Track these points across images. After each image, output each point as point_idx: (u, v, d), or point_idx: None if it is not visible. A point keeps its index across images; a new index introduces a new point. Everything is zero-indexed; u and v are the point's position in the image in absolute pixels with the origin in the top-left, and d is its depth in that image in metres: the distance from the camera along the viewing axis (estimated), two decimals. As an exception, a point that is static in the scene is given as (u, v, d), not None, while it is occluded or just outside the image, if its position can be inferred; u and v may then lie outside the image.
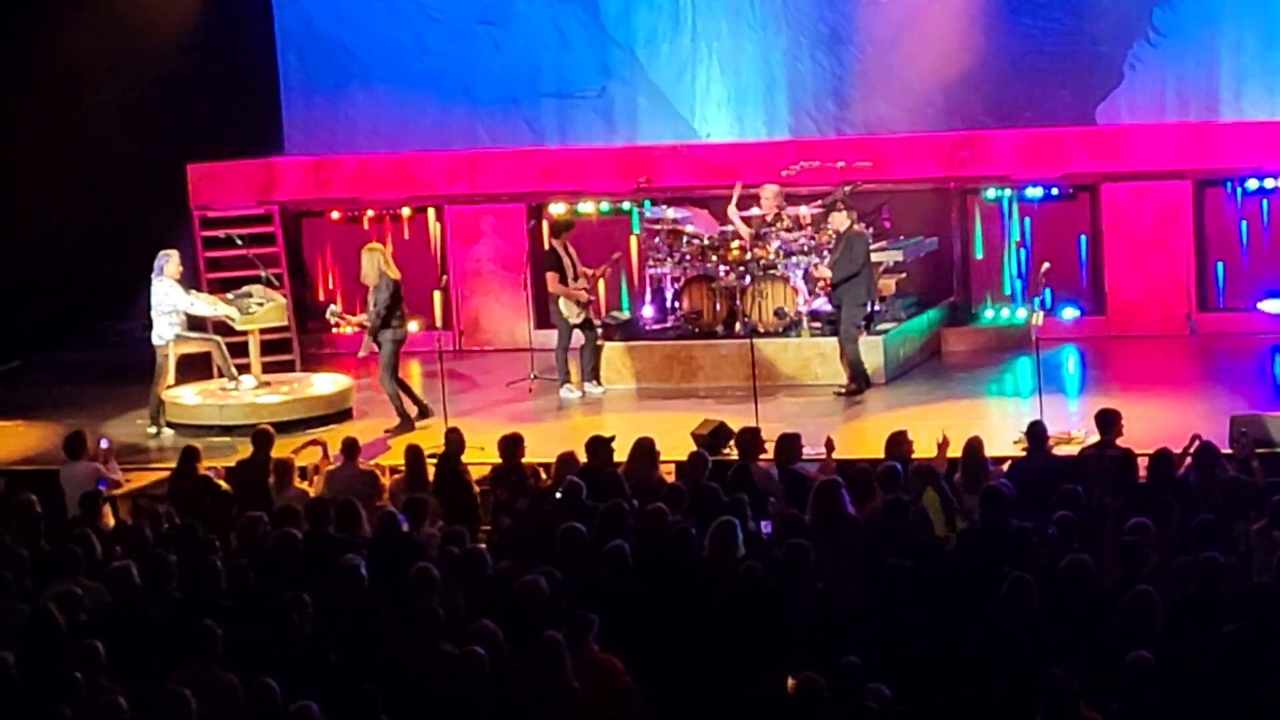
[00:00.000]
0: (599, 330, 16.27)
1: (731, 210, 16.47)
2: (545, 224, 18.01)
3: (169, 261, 15.32)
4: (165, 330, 15.30)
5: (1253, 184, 17.28)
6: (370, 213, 19.02)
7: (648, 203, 17.36)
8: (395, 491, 12.12)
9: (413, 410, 14.97)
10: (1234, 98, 17.82)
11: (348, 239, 19.10)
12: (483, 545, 10.10)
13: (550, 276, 16.15)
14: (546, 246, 16.61)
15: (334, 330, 15.24)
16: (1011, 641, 8.71)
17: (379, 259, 15.14)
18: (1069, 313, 17.59)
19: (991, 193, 17.83)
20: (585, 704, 8.33)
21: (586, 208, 18.30)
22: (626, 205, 18.10)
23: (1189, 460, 11.32)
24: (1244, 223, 17.40)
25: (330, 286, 19.16)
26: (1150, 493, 10.81)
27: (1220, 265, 17.46)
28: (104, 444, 13.07)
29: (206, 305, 15.80)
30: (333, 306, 15.62)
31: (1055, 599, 8.95)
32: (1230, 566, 9.26)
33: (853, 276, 15.47)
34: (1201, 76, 17.87)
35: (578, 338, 16.09)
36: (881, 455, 11.72)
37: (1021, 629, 8.75)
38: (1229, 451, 11.79)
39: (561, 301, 16.11)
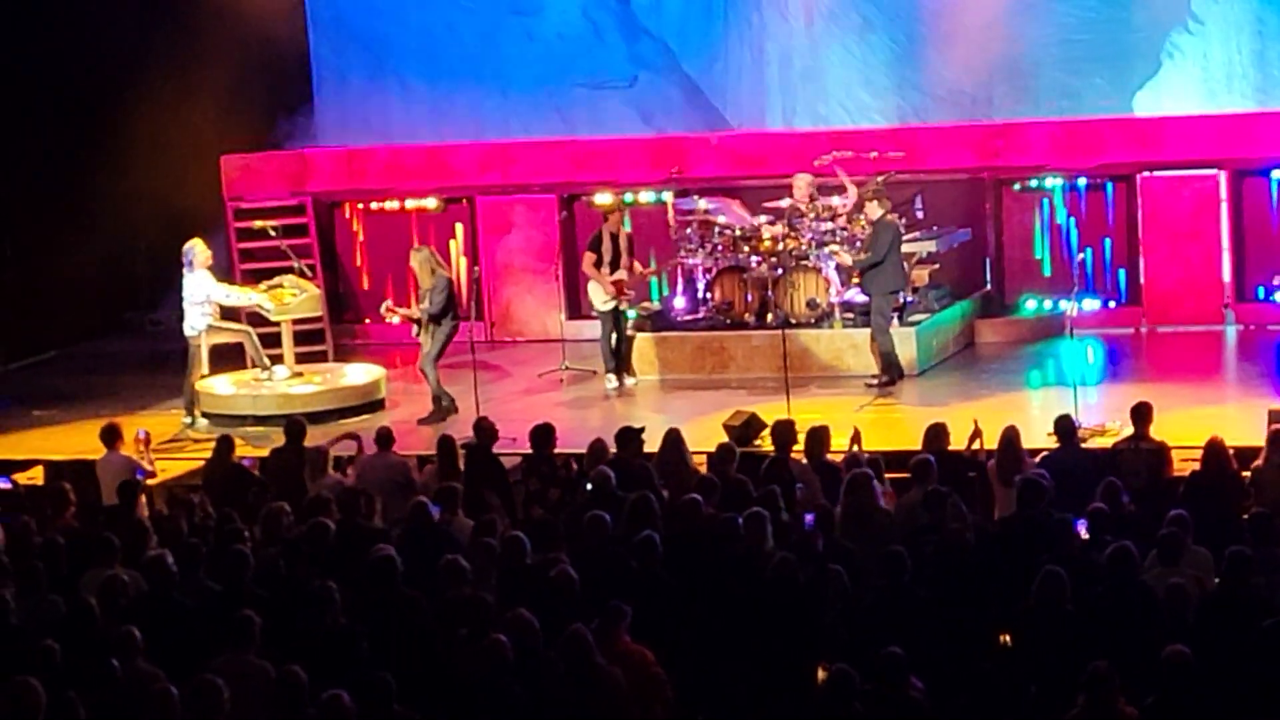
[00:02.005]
0: (630, 321, 16.22)
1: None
2: (577, 214, 18.01)
3: (196, 252, 15.35)
4: (198, 321, 15.35)
5: (1290, 174, 17.17)
6: (396, 203, 19.02)
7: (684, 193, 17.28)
8: (428, 482, 12.12)
9: (441, 400, 15.03)
10: (1273, 86, 17.69)
11: (381, 230, 19.15)
12: (520, 534, 10.07)
13: (587, 257, 16.12)
14: (596, 230, 16.46)
15: (387, 320, 15.41)
16: (1045, 633, 8.67)
17: (429, 258, 15.24)
18: (1103, 304, 17.50)
19: (1026, 183, 17.75)
20: (621, 695, 8.32)
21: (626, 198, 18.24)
22: (658, 195, 18.06)
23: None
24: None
25: (364, 279, 19.20)
26: (1195, 486, 10.74)
27: (1257, 256, 17.34)
28: (141, 434, 13.12)
29: (238, 295, 15.84)
30: (387, 302, 15.78)
31: (1090, 591, 8.91)
32: (1272, 561, 9.20)
33: (876, 265, 15.40)
34: (1240, 65, 17.76)
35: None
36: (913, 447, 11.68)
37: (1054, 621, 8.71)
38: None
39: (591, 285, 16.08)
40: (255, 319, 16.11)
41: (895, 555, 9.20)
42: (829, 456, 11.68)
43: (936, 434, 11.61)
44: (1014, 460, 11.33)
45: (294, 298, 15.90)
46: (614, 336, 16.04)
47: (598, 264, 15.95)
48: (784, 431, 11.93)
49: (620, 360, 16.04)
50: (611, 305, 15.98)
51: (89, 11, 19.12)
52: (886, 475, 11.41)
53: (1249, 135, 17.37)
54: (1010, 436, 11.50)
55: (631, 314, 16.21)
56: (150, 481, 12.81)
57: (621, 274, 16.02)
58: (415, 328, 15.34)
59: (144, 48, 19.16)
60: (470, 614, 8.83)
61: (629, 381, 16.02)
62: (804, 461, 11.64)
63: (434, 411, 14.96)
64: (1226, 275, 17.26)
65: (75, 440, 14.64)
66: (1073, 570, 9.00)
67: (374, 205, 19.16)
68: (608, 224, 16.11)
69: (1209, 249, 17.28)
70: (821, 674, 8.49)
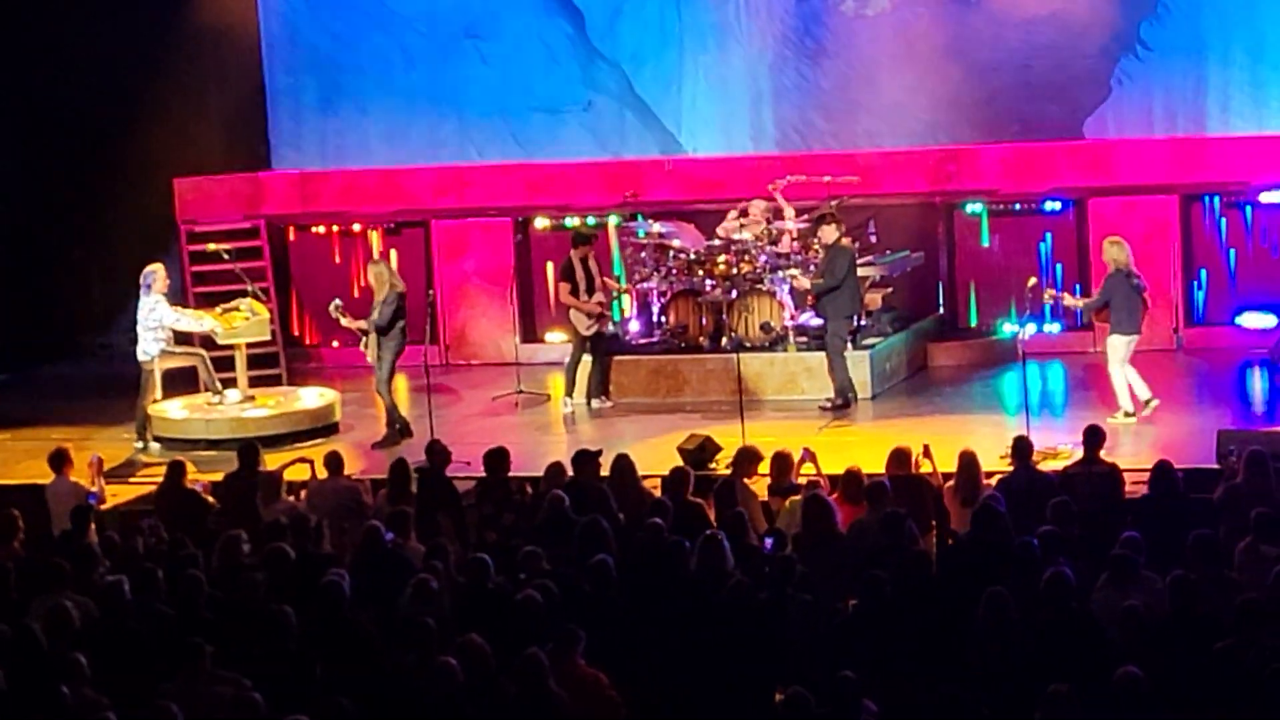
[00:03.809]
0: (605, 344, 16.23)
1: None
2: (531, 238, 18.03)
3: (156, 277, 15.32)
4: (151, 346, 15.28)
5: (1240, 198, 17.31)
6: (357, 227, 19.02)
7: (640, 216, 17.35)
8: (380, 505, 12.08)
9: (397, 423, 14.99)
10: (1221, 112, 17.86)
11: (335, 253, 19.11)
12: (484, 556, 10.05)
13: (562, 287, 16.14)
14: (566, 258, 16.51)
15: (334, 318, 15.38)
16: (993, 654, 8.70)
17: (383, 271, 15.29)
18: (1055, 328, 17.60)
19: (977, 207, 17.86)
20: (571, 719, 8.31)
21: (572, 221, 18.31)
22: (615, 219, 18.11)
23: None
24: (1231, 237, 17.43)
25: (318, 303, 19.14)
26: (1145, 507, 10.82)
27: (1207, 280, 17.48)
28: (94, 459, 13.04)
29: (192, 320, 15.78)
30: (336, 301, 15.68)
31: (1042, 613, 8.95)
32: (1222, 582, 9.26)
33: (833, 289, 15.46)
34: (1189, 91, 17.91)
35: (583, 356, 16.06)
36: (866, 469, 11.71)
37: (1001, 642, 8.74)
38: (1217, 467, 11.81)
39: (572, 313, 16.09)
40: (208, 342, 16.05)
41: (874, 578, 9.21)
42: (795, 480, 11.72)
43: (899, 458, 11.65)
44: (972, 482, 11.38)
45: (244, 321, 15.84)
46: (588, 360, 16.01)
47: (574, 292, 15.96)
48: (743, 457, 11.95)
49: (603, 382, 16.02)
50: (595, 329, 16.00)
51: (44, 38, 19.04)
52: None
53: (1200, 160, 17.53)
54: (969, 459, 11.56)
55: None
56: (101, 506, 12.73)
57: (599, 296, 16.03)
58: (362, 340, 15.28)
59: (98, 72, 19.08)
60: (418, 638, 8.80)
61: (606, 405, 16.01)
62: (747, 485, 11.67)
63: (387, 435, 14.92)
64: (1177, 299, 17.39)
65: (24, 465, 14.53)
66: (1030, 592, 9.04)
67: (328, 229, 19.13)
68: (576, 251, 16.13)
69: (1160, 273, 17.40)
70: (778, 697, 8.49)
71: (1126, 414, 14.26)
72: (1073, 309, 15.32)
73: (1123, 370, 14.41)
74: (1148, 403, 14.29)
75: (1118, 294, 14.42)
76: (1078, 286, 14.84)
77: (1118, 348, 14.46)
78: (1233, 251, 17.41)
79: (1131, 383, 14.37)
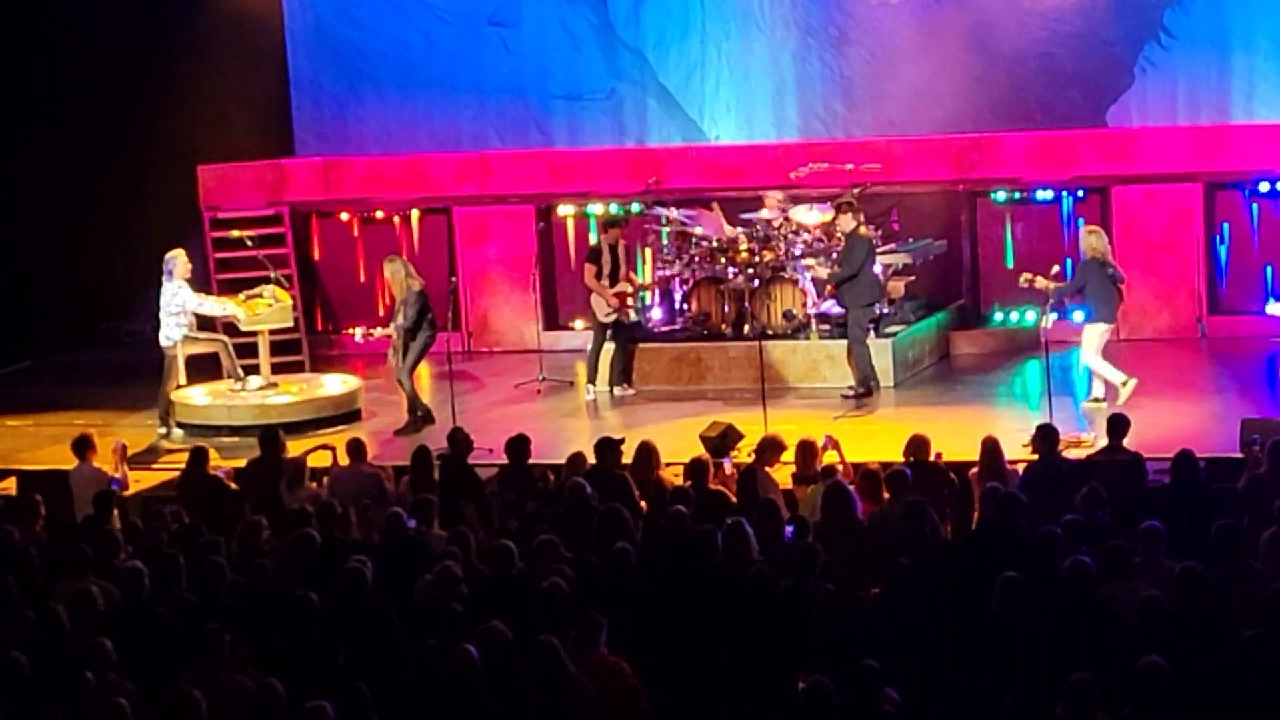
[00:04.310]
0: (628, 333, 16.23)
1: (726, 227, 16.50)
2: (554, 225, 18.04)
3: (177, 263, 15.36)
4: (173, 331, 15.32)
5: (1264, 186, 17.24)
6: (379, 214, 19.05)
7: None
8: (403, 493, 12.11)
9: (421, 410, 15.02)
10: (1245, 100, 17.78)
11: (358, 240, 19.14)
12: (509, 543, 10.08)
13: (587, 269, 16.14)
14: (593, 240, 16.53)
15: (367, 341, 15.62)
16: (1009, 642, 8.70)
17: (399, 269, 15.26)
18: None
19: (1001, 195, 17.81)
20: (593, 706, 8.33)
21: (597, 209, 18.32)
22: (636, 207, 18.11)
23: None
24: (1255, 226, 17.36)
25: (341, 289, 19.18)
26: (1167, 496, 10.79)
27: (1231, 268, 17.42)
28: (118, 445, 13.09)
29: (215, 305, 15.82)
30: (359, 330, 15.77)
31: (1061, 602, 8.94)
32: (1246, 572, 9.24)
33: (851, 278, 15.43)
34: (1213, 78, 17.84)
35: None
36: (890, 458, 11.70)
37: (1019, 630, 8.74)
38: (1240, 455, 11.77)
39: (593, 297, 16.10)
40: (231, 329, 16.09)
41: (898, 566, 9.21)
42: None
43: (918, 445, 11.63)
44: (996, 469, 11.36)
45: (267, 308, 15.88)
46: (609, 348, 16.02)
47: (598, 275, 15.96)
48: (766, 445, 11.94)
49: (625, 370, 16.03)
50: (614, 317, 16.00)
51: (64, 24, 19.09)
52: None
53: (1223, 148, 17.46)
54: (992, 445, 11.54)
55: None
56: (124, 493, 12.77)
57: (624, 285, 16.03)
58: (390, 348, 15.29)
59: (122, 59, 19.13)
60: (440, 624, 8.82)
61: (629, 392, 16.02)
62: (769, 474, 11.67)
63: (409, 422, 14.95)
64: (1200, 288, 17.34)
65: (49, 451, 14.59)
66: (1051, 580, 9.02)
67: (351, 215, 19.16)
68: (606, 236, 16.13)
69: (1183, 262, 17.36)
70: (800, 685, 8.49)
71: (1101, 399, 14.32)
72: (1046, 291, 15.35)
73: (1096, 358, 14.49)
74: (1096, 400, 14.33)
75: (1093, 282, 14.50)
76: (1055, 267, 14.96)
77: (1092, 337, 14.54)
78: (1256, 240, 17.35)
79: (1095, 374, 14.46)
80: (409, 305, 15.09)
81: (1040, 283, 14.88)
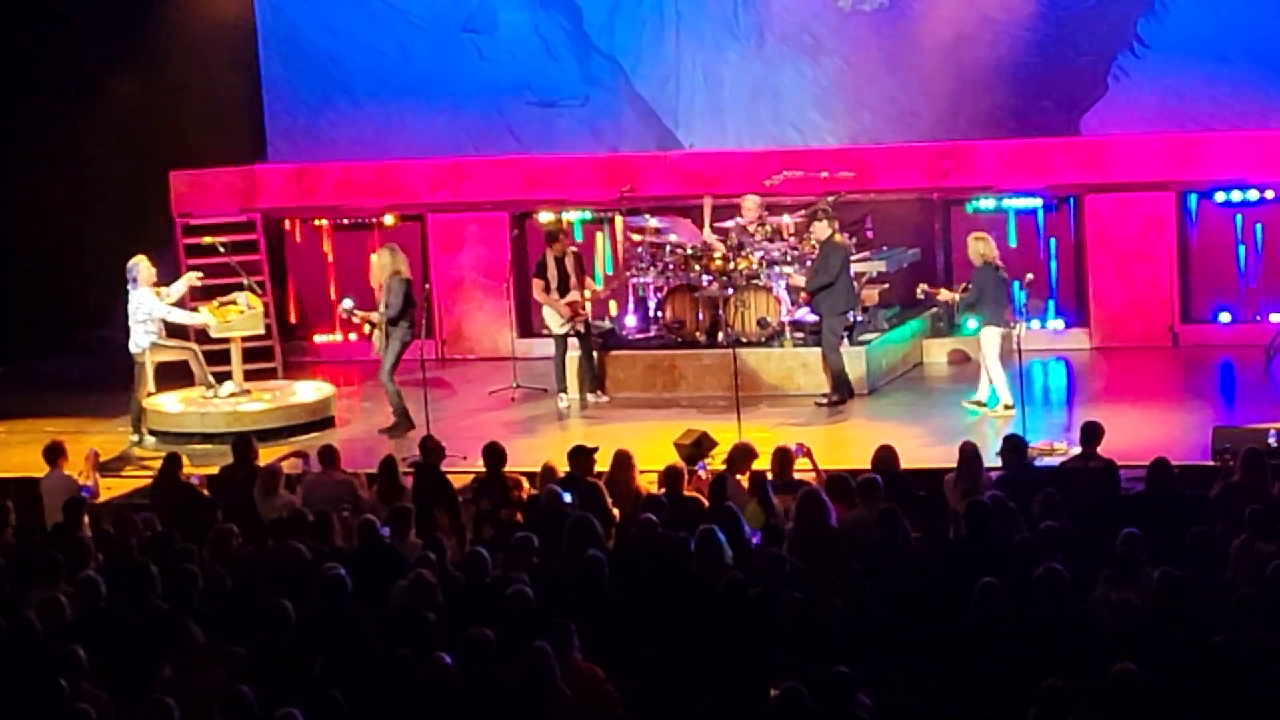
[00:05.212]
0: (591, 340, 16.21)
1: (707, 231, 16.49)
2: (528, 232, 18.03)
3: (140, 269, 15.27)
4: (141, 338, 15.26)
5: (1236, 195, 17.32)
6: (346, 221, 19.00)
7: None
8: (374, 501, 12.07)
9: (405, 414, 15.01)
10: (1217, 109, 17.85)
11: (331, 247, 19.10)
12: (483, 551, 10.06)
13: (535, 284, 16.17)
14: (540, 256, 16.51)
15: (352, 323, 15.41)
16: (986, 648, 8.71)
17: (386, 258, 15.24)
18: (1052, 324, 17.62)
19: (975, 204, 17.86)
20: (572, 713, 8.30)
21: (570, 217, 18.30)
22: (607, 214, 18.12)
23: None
24: (1227, 234, 17.43)
25: (313, 296, 19.14)
26: (1142, 503, 10.82)
27: (1204, 277, 17.48)
28: (90, 453, 13.02)
29: (183, 313, 15.76)
30: (345, 302, 15.68)
31: (1035, 608, 8.95)
32: (1217, 580, 9.26)
33: (828, 286, 15.46)
34: (1185, 87, 17.90)
35: (574, 347, 16.06)
36: (859, 466, 11.70)
37: (996, 636, 8.74)
38: (1212, 463, 11.81)
39: (545, 311, 16.14)
40: (204, 336, 16.04)
41: (854, 574, 9.22)
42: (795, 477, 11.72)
43: (885, 455, 11.64)
44: (973, 476, 11.37)
45: (238, 315, 15.83)
46: (574, 357, 16.01)
47: (546, 289, 15.98)
48: (737, 453, 11.93)
49: (597, 377, 16.02)
50: (567, 328, 15.99)
51: (35, 29, 19.01)
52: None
53: (1196, 157, 17.53)
54: (970, 452, 11.55)
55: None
56: (96, 500, 12.71)
57: (574, 295, 16.02)
58: (374, 334, 15.25)
59: (91, 63, 19.06)
60: (415, 632, 8.79)
61: (603, 399, 16.01)
62: (739, 481, 11.67)
63: (396, 423, 14.92)
64: (1173, 296, 17.40)
65: (19, 458, 14.51)
66: (1024, 588, 9.03)
67: (323, 222, 19.12)
68: (551, 249, 16.14)
69: (1156, 270, 17.42)
70: (773, 693, 8.49)
71: (1006, 406, 14.37)
72: (948, 304, 15.47)
73: (998, 364, 14.57)
74: (1008, 407, 14.41)
75: (988, 287, 14.58)
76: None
77: (992, 341, 14.63)
78: (1228, 249, 17.41)
79: (997, 381, 14.52)
80: (392, 293, 15.07)
81: (943, 294, 15.05)
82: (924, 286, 15.34)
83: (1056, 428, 13.96)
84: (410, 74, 19.49)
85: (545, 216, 18.01)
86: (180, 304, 15.76)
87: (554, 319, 16.03)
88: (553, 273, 15.99)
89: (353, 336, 18.42)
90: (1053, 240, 17.81)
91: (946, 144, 18.17)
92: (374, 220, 18.99)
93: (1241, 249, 17.39)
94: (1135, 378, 16.12)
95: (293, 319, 19.15)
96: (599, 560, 9.68)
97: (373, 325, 15.28)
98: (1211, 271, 17.44)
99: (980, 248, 14.87)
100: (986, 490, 11.03)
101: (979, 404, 14.68)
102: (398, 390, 15.07)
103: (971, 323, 14.90)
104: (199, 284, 16.17)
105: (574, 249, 16.52)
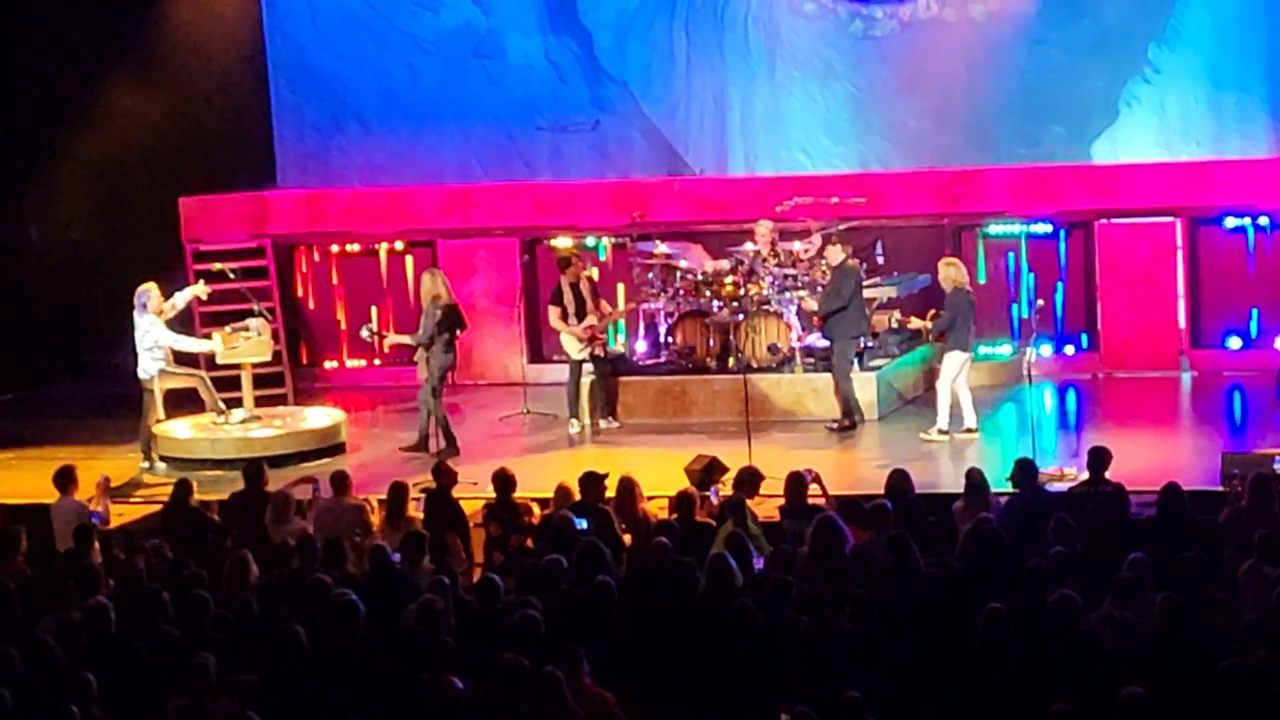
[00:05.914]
0: (607, 366, 16.23)
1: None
2: (539, 257, 18.05)
3: (150, 296, 15.31)
4: (149, 365, 15.29)
5: (1246, 221, 17.31)
6: (355, 246, 19.04)
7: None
8: (380, 527, 12.08)
9: (427, 437, 15.02)
10: (1229, 135, 17.85)
11: (341, 272, 19.13)
12: (495, 576, 10.06)
13: (551, 311, 16.19)
14: (556, 283, 16.55)
15: (373, 344, 15.56)
16: (998, 674, 8.69)
17: (428, 282, 15.39)
18: (1063, 350, 17.60)
19: (985, 229, 17.86)
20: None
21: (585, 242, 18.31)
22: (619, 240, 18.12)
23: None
24: (1236, 260, 17.42)
25: (324, 322, 19.16)
26: (1152, 528, 10.81)
27: (1213, 302, 17.47)
28: (101, 479, 13.04)
29: (190, 341, 15.77)
30: (368, 326, 15.75)
31: (1043, 632, 8.94)
32: (1215, 603, 9.25)
33: (839, 310, 15.48)
34: (1197, 114, 17.91)
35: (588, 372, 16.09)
36: (873, 491, 11.69)
37: (1003, 661, 8.73)
38: (1221, 489, 11.80)
39: (563, 337, 16.17)
40: (212, 362, 16.06)
41: (862, 599, 9.21)
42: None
43: (899, 481, 11.63)
44: (981, 501, 11.36)
45: (245, 341, 15.84)
46: (588, 383, 16.02)
47: (563, 316, 16.00)
48: (746, 478, 11.93)
49: (609, 403, 16.04)
50: (586, 353, 16.01)
51: (44, 51, 19.08)
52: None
53: (1205, 183, 17.52)
54: (977, 478, 11.54)
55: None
56: (107, 526, 12.71)
57: (591, 319, 16.04)
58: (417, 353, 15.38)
59: (100, 86, 19.11)
60: (430, 657, 8.79)
61: (613, 425, 16.02)
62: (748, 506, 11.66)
63: (446, 447, 14.93)
64: (1182, 322, 17.40)
65: (30, 484, 14.52)
66: (1033, 613, 9.02)
67: (334, 248, 19.16)
68: (565, 275, 16.16)
69: (1165, 296, 17.41)
70: (783, 718, 8.47)
71: (940, 431, 14.41)
72: (921, 330, 15.51)
73: (953, 388, 14.60)
74: (969, 430, 14.41)
75: (960, 313, 14.62)
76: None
77: (953, 365, 14.67)
78: (1237, 274, 17.40)
79: (962, 404, 14.54)
80: (428, 318, 15.15)
81: (915, 323, 15.10)
82: (896, 315, 15.41)
83: (1066, 453, 13.94)
84: (420, 99, 19.52)
85: (564, 242, 18.01)
86: (186, 317, 15.79)
87: (572, 345, 16.05)
88: (568, 298, 16.02)
89: (377, 361, 18.48)
90: (1062, 265, 17.81)
91: (957, 169, 18.17)
92: (381, 246, 19.00)
93: (1252, 274, 17.39)
94: (1144, 403, 16.10)
95: (303, 345, 19.17)
96: (609, 585, 9.67)
97: (381, 337, 15.39)
98: (1221, 297, 17.43)
99: (952, 273, 14.96)
100: (995, 516, 11.02)
101: (943, 432, 14.68)
102: (444, 415, 15.09)
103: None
104: (205, 297, 16.19)
105: (587, 274, 16.54)
